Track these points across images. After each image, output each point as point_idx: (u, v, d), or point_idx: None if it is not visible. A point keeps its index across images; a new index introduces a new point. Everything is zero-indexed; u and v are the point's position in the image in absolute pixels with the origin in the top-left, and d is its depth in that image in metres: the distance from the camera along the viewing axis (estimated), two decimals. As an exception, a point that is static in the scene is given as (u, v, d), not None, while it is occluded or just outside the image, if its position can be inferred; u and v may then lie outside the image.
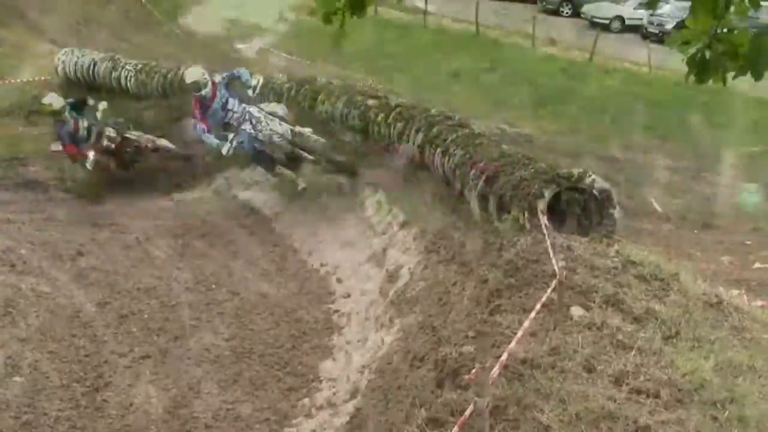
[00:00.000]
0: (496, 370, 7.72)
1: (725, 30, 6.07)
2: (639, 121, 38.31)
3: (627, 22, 55.45)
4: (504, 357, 8.02)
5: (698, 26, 6.03)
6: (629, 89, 43.18)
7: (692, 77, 6.25)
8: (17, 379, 13.99)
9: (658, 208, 27.39)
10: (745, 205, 28.32)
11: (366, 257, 17.55)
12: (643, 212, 26.89)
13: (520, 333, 8.65)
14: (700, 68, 6.16)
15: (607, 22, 55.04)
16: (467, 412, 7.14)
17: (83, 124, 22.64)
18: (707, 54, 6.10)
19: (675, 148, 35.89)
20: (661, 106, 40.47)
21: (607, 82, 44.32)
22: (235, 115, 18.99)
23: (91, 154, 22.02)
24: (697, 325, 10.08)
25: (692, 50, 6.11)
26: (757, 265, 21.97)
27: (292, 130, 19.57)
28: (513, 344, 8.34)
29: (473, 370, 7.08)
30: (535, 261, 11.51)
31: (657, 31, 50.91)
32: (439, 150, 17.04)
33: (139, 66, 28.99)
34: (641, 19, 53.60)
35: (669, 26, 48.47)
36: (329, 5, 6.55)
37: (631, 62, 48.42)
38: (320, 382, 14.02)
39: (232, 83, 19.37)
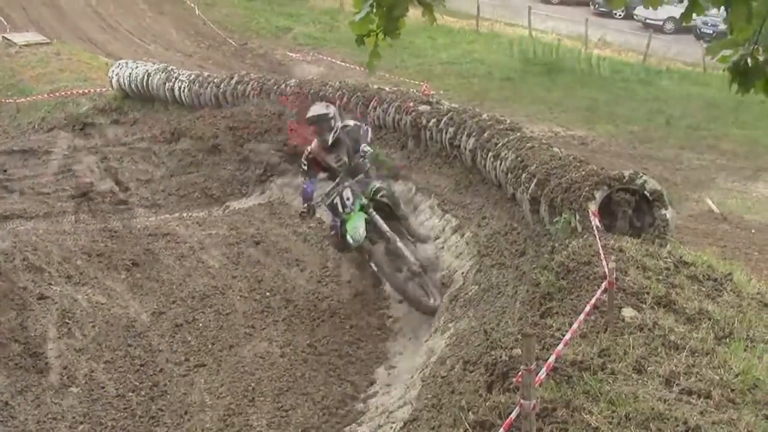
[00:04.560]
0: (543, 372, 7.70)
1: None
2: (694, 122, 38.20)
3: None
4: (551, 359, 8.00)
5: (739, 34, 5.97)
6: (684, 90, 43.05)
7: (735, 86, 6.19)
8: (73, 389, 14.19)
9: (715, 209, 27.25)
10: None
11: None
12: (699, 213, 26.80)
13: (568, 335, 8.63)
14: (743, 77, 6.10)
15: (660, 23, 54.82)
16: (513, 414, 7.14)
17: None
18: (749, 62, 6.04)
19: (731, 148, 35.70)
20: (717, 106, 40.27)
21: (661, 83, 44.20)
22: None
23: None
24: (751, 325, 9.97)
25: (734, 59, 6.06)
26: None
27: None
28: (561, 346, 8.32)
29: (519, 373, 7.07)
30: (586, 263, 11.43)
31: (711, 32, 50.73)
32: (490, 154, 17.02)
33: (192, 77, 29.27)
34: (694, 19, 53.31)
35: (722, 26, 48.24)
36: (362, 28, 6.56)
37: (685, 63, 48.31)
38: (375, 388, 14.04)
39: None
